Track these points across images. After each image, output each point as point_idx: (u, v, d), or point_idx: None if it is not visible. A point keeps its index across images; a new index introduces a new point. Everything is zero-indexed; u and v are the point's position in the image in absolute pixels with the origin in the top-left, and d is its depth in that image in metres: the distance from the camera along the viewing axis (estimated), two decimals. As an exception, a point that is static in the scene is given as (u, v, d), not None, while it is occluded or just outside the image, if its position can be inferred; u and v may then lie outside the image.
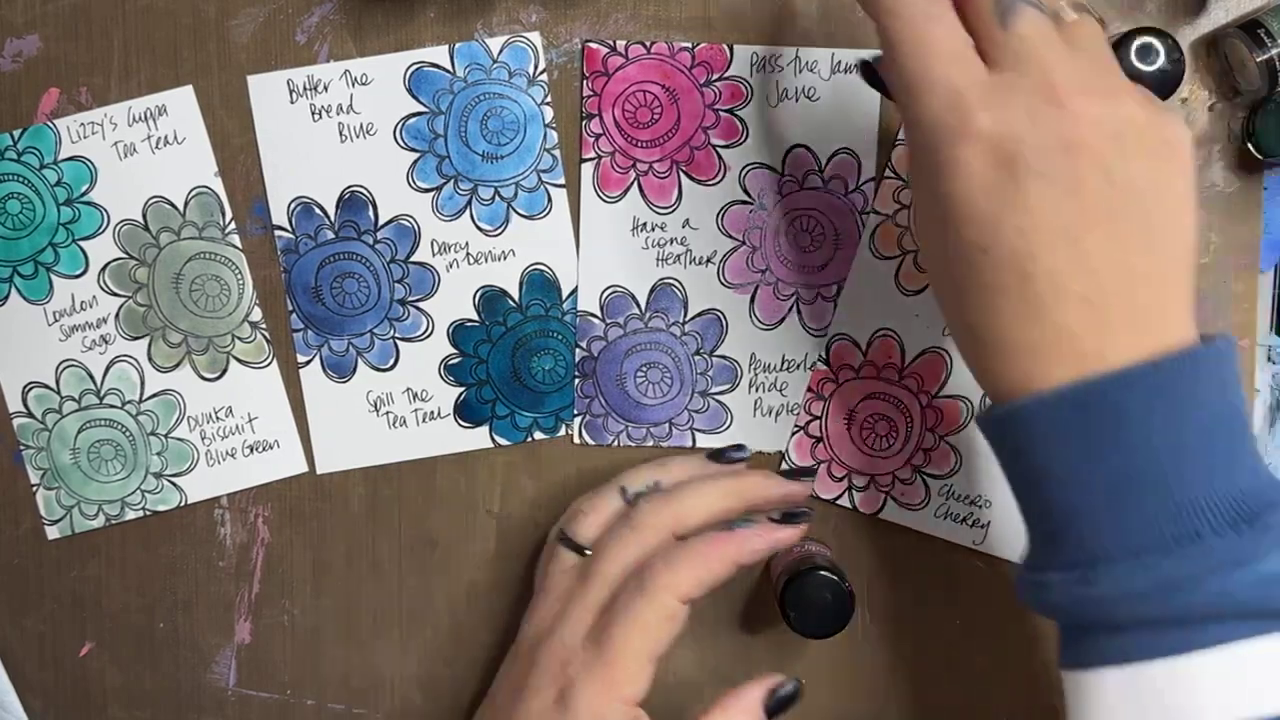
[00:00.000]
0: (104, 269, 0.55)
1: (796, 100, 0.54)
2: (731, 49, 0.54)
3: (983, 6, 0.40)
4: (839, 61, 0.54)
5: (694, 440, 0.56)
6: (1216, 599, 0.37)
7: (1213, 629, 0.37)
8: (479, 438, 0.56)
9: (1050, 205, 0.38)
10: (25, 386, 0.55)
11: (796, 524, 0.48)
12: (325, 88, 0.54)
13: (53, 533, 0.56)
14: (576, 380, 0.55)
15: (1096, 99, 0.38)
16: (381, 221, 0.55)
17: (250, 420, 0.56)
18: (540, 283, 0.55)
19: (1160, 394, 0.37)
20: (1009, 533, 0.55)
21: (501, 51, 0.54)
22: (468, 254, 0.55)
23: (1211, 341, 0.39)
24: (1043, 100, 0.38)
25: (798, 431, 0.55)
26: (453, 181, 0.54)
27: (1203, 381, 0.38)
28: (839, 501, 0.56)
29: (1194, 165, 0.40)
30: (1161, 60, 0.49)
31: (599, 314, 0.55)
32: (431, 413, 0.56)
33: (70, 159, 0.54)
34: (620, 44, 0.54)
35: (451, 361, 0.55)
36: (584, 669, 0.45)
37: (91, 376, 0.55)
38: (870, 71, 0.46)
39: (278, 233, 0.55)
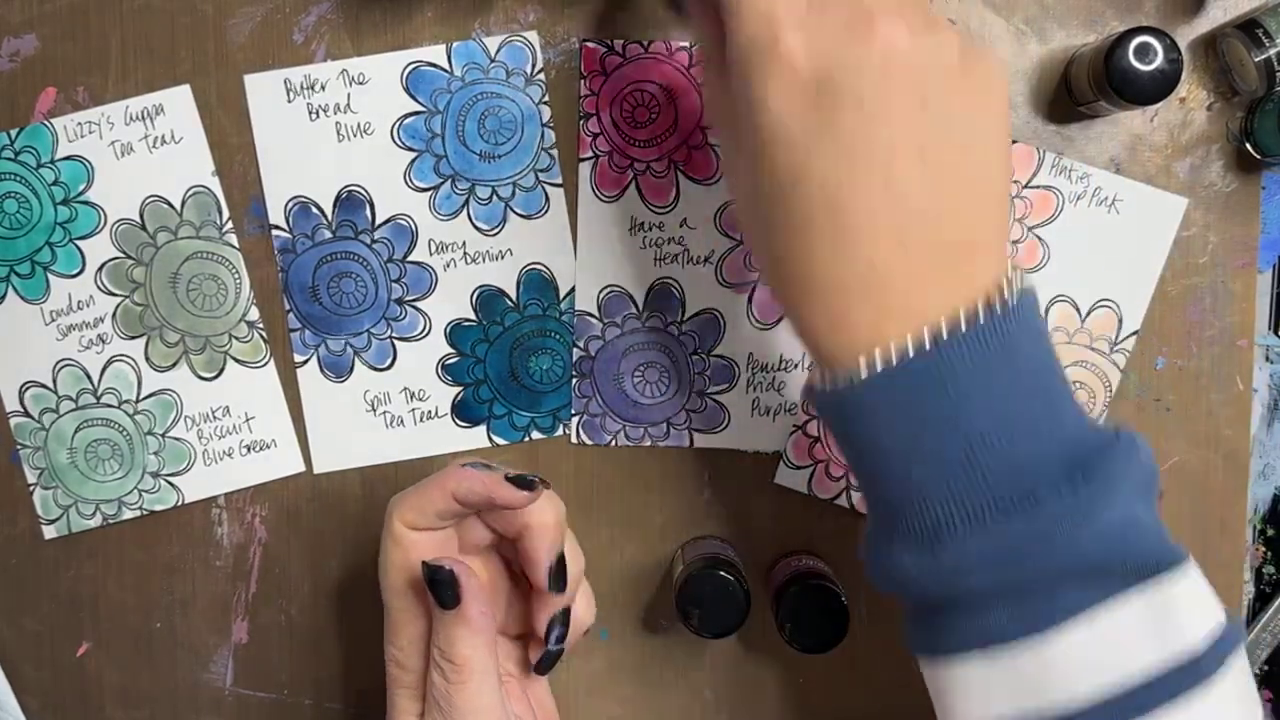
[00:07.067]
0: (101, 268, 0.55)
1: (794, 100, 0.54)
2: (729, 48, 0.53)
3: None
4: (837, 61, 0.53)
5: (691, 440, 0.55)
6: (1065, 558, 0.36)
7: (1067, 596, 0.37)
8: (476, 437, 0.56)
9: (861, 130, 0.37)
10: (22, 386, 0.55)
11: (525, 489, 0.43)
12: (323, 87, 0.54)
13: (50, 532, 0.56)
14: (574, 380, 0.55)
15: (912, 25, 0.37)
16: (379, 221, 0.54)
17: (247, 420, 0.56)
18: (538, 282, 0.55)
19: (980, 352, 0.37)
20: (1007, 533, 0.55)
21: (499, 51, 0.54)
22: (465, 253, 0.55)
23: (1027, 291, 0.38)
24: (855, 22, 0.37)
25: (795, 431, 0.55)
26: (450, 181, 0.54)
27: (1022, 334, 0.37)
28: (837, 501, 0.55)
29: (1009, 105, 0.39)
30: (1159, 60, 0.48)
31: (597, 313, 0.55)
32: (429, 412, 0.56)
33: (67, 158, 0.54)
34: (618, 43, 0.54)
35: (449, 361, 0.55)
36: None
37: (89, 376, 0.55)
38: None
39: (275, 232, 0.55)
